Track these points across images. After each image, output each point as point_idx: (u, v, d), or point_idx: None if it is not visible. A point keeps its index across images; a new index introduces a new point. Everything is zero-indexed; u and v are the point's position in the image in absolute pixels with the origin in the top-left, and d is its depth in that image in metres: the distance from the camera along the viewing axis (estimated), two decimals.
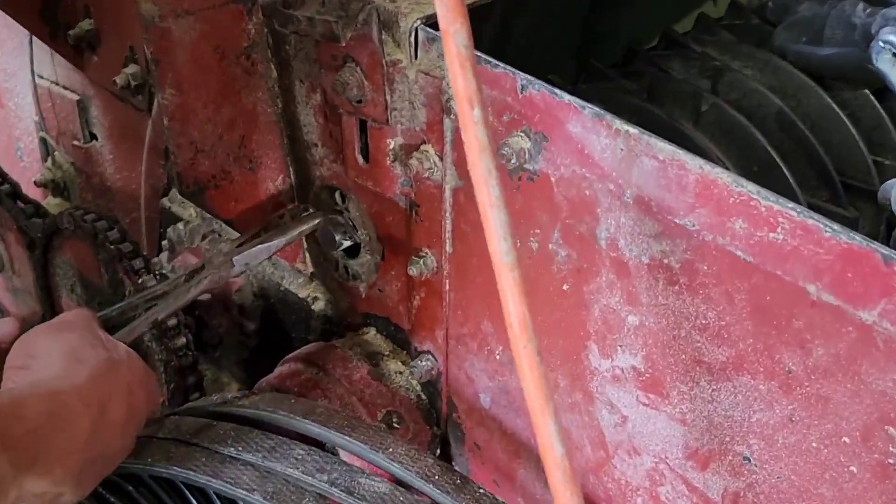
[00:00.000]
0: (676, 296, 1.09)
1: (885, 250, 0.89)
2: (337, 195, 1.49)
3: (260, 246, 1.39)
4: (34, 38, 1.91)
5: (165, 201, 1.78)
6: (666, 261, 1.08)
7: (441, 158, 1.28)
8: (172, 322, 1.51)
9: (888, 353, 0.91)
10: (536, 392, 0.85)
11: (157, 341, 1.53)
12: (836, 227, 0.92)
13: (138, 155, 1.80)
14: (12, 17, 1.74)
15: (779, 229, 0.95)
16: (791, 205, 0.95)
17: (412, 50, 1.24)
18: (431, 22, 1.24)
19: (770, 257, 0.97)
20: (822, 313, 0.94)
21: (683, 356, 1.11)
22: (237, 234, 1.63)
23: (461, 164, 1.26)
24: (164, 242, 1.73)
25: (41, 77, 1.99)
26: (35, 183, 2.06)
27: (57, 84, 1.95)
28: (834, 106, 1.58)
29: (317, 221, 1.44)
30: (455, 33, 0.81)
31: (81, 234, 1.55)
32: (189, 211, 1.73)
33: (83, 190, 2.02)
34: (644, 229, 1.09)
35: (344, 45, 1.26)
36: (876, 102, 1.62)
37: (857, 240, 0.90)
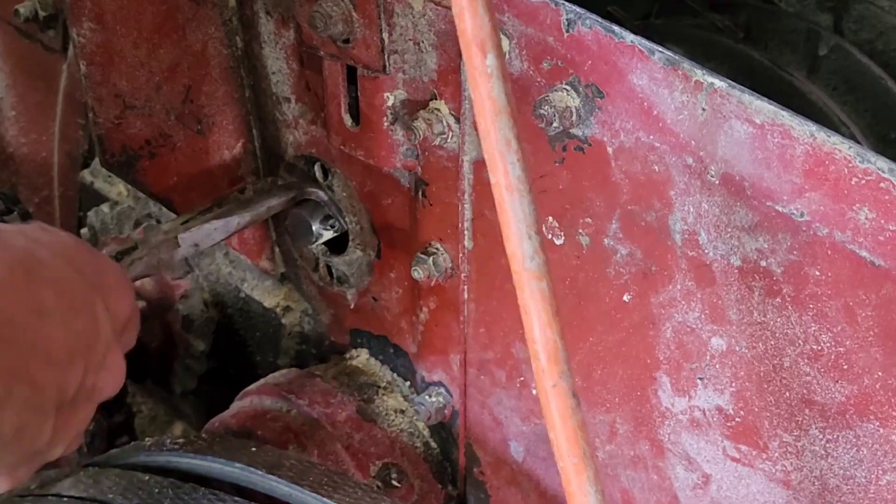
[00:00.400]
0: (778, 311, 1.10)
1: None
2: (317, 169, 1.50)
3: (215, 222, 1.39)
4: None
5: (86, 175, 1.84)
6: (764, 263, 1.09)
7: (458, 120, 1.29)
8: None
9: None
10: (570, 448, 0.86)
11: None
12: None
13: (50, 111, 1.83)
14: None
15: None
16: None
17: None
18: None
19: None
20: None
21: (787, 394, 1.12)
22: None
23: None
24: (85, 230, 1.79)
25: None
26: None
27: None
28: None
29: (290, 195, 1.44)
30: None
31: None
32: (118, 188, 1.78)
33: None
34: (734, 220, 1.10)
35: None
36: None
37: None
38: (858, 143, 1.24)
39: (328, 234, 1.48)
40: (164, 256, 1.38)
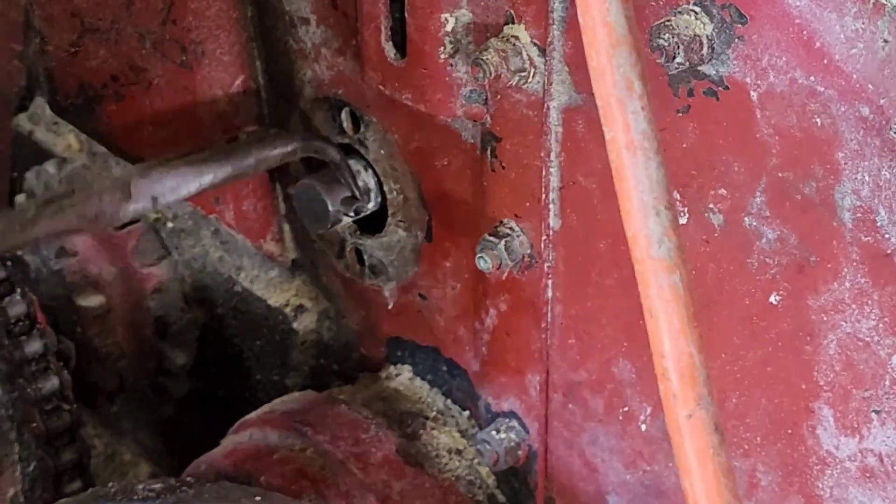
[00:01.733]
0: None
1: None
2: (344, 116, 1.52)
3: (184, 169, 1.39)
4: None
5: (23, 121, 1.86)
6: None
7: (543, 51, 1.30)
8: (33, 349, 1.56)
9: None
10: (712, 498, 0.86)
11: (1, 384, 1.56)
12: None
13: None
14: None
15: None
16: None
17: None
18: None
19: None
20: None
21: None
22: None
23: (583, 64, 1.22)
24: (21, 197, 1.79)
25: None
26: None
27: None
28: None
29: (293, 147, 1.44)
30: None
31: None
32: (67, 140, 1.80)
33: None
34: None
35: None
36: None
37: None
38: None
39: (349, 218, 1.49)
40: (107, 208, 1.36)
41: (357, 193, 1.47)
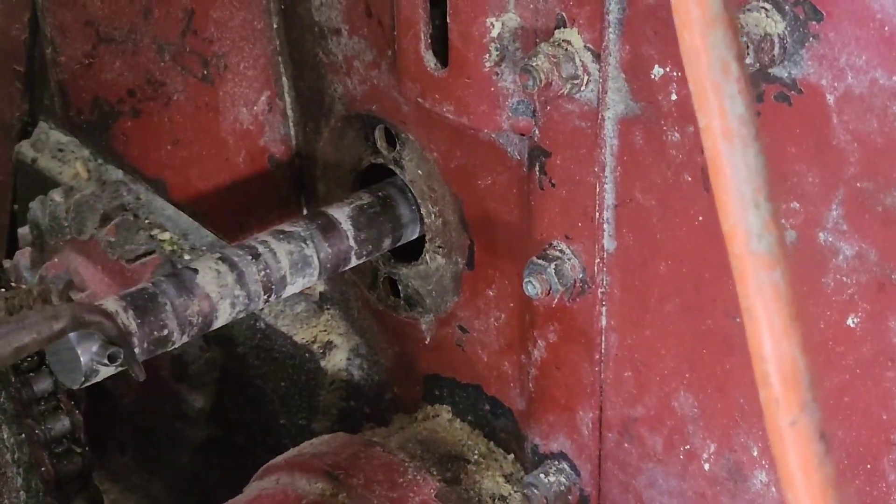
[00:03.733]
0: None
1: None
2: (378, 134, 1.53)
3: None
4: None
5: (26, 149, 1.85)
6: None
7: (597, 57, 1.29)
8: (42, 386, 1.55)
9: None
10: None
11: (7, 424, 1.55)
12: None
13: None
14: None
15: None
16: None
17: None
18: None
19: None
20: None
21: None
22: (172, 211, 1.70)
23: (640, 70, 1.28)
24: (24, 230, 1.80)
25: None
26: None
27: None
28: None
29: (59, 327, 1.34)
30: None
31: None
32: (73, 168, 1.79)
33: None
34: None
35: None
36: None
37: None
38: None
39: (106, 370, 1.40)
40: None
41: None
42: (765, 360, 0.83)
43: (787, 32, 1.16)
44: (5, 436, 1.55)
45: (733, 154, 0.82)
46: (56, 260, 1.73)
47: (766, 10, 1.17)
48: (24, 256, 1.73)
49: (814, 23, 1.15)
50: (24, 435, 1.54)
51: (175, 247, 1.76)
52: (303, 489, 1.52)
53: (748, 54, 1.17)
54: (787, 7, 1.16)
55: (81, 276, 1.74)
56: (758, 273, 0.82)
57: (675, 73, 1.27)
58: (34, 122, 1.80)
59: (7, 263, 1.71)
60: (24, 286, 1.61)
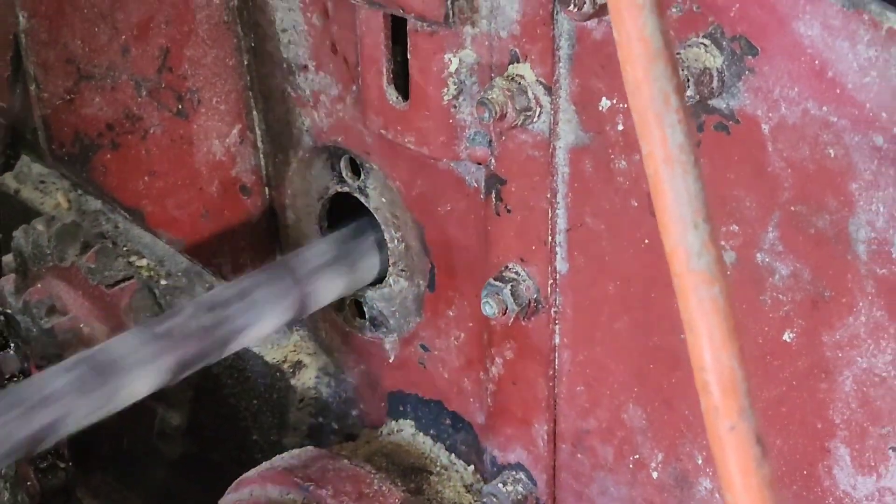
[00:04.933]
0: None
1: None
2: (343, 164, 1.54)
3: None
4: None
5: (9, 180, 1.85)
6: None
7: (549, 90, 1.31)
8: None
9: None
10: None
11: None
12: None
13: None
14: None
15: None
16: None
17: None
18: None
19: None
20: None
21: None
22: (149, 239, 1.71)
23: (588, 103, 1.30)
24: (8, 258, 1.80)
25: None
26: None
27: None
28: None
29: None
30: None
31: None
32: (54, 199, 1.79)
33: None
34: None
35: None
36: None
37: None
38: None
39: None
40: None
41: None
42: (705, 370, 0.85)
43: (724, 66, 1.19)
44: None
45: (674, 179, 0.84)
46: (39, 286, 1.73)
47: (705, 45, 1.19)
48: (8, 282, 1.73)
49: (749, 57, 1.17)
50: None
51: (152, 272, 1.76)
52: (275, 499, 1.52)
53: (689, 87, 1.18)
54: (724, 43, 1.18)
55: (63, 301, 1.73)
56: (698, 289, 0.83)
57: (620, 105, 1.29)
58: (16, 156, 1.80)
59: None
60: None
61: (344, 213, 1.63)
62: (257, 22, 1.53)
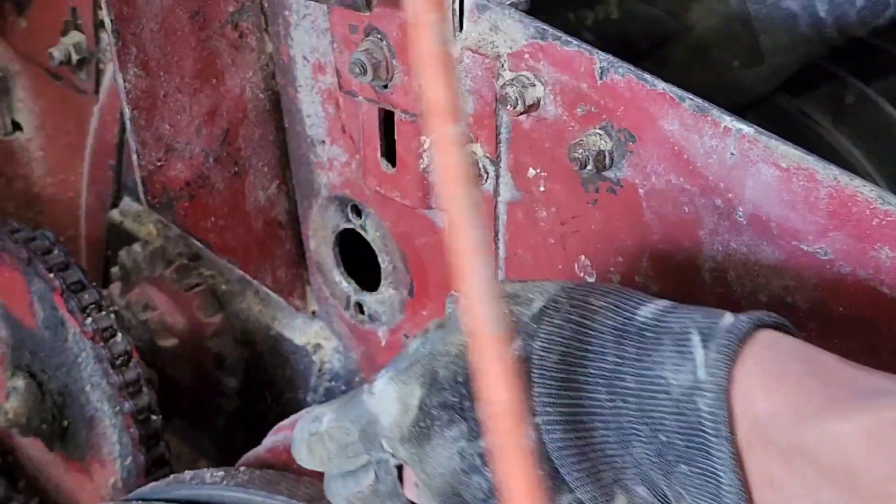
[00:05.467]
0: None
1: None
2: (349, 210, 1.56)
3: None
4: None
5: (115, 214, 1.89)
6: (790, 300, 1.14)
7: (493, 162, 1.34)
8: (130, 376, 1.58)
9: None
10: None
11: (108, 402, 1.60)
12: None
13: (79, 152, 1.89)
14: None
15: None
16: None
17: (457, 20, 1.31)
18: None
19: None
20: None
21: None
22: (213, 259, 1.75)
23: (520, 171, 1.33)
24: (115, 270, 1.83)
25: None
26: None
27: None
28: None
29: None
30: (430, 25, 0.75)
31: (10, 259, 1.62)
32: (147, 228, 1.84)
33: (2, 197, 2.09)
34: (761, 257, 1.15)
35: (368, 13, 1.31)
36: None
37: None
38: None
39: None
40: None
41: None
42: (494, 404, 0.80)
43: (613, 149, 1.21)
44: (107, 410, 1.61)
45: (472, 268, 0.79)
46: (137, 290, 1.77)
47: (600, 134, 1.21)
48: (115, 288, 1.75)
49: (630, 143, 1.20)
50: (118, 407, 1.59)
51: (215, 281, 1.79)
52: None
53: (589, 163, 1.20)
54: (613, 133, 1.20)
55: (154, 301, 1.77)
56: (491, 348, 0.77)
57: (542, 174, 1.31)
58: (120, 197, 1.84)
59: (105, 292, 1.71)
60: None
61: (350, 241, 1.63)
62: (290, 109, 1.54)
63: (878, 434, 0.80)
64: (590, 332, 0.95)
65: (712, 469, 0.87)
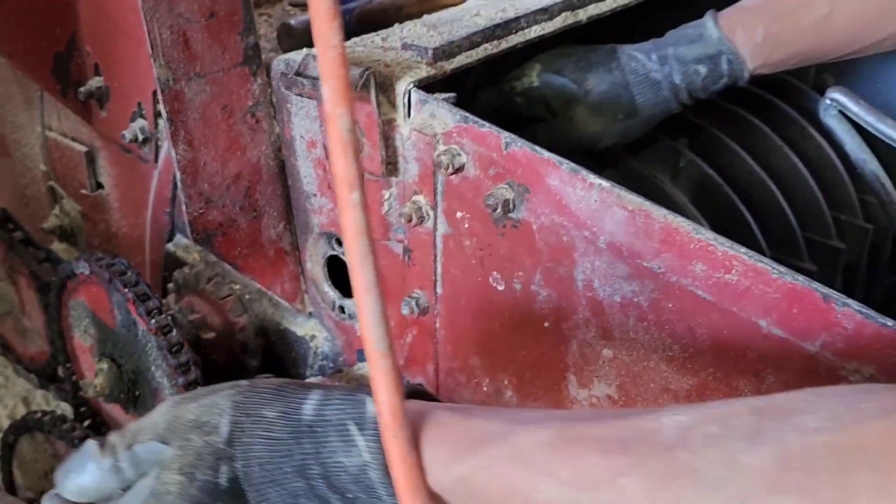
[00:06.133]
0: (645, 331, 1.17)
1: (823, 290, 1.00)
2: (334, 241, 1.56)
3: None
4: (44, 93, 2.00)
5: (170, 246, 1.87)
6: (636, 300, 1.16)
7: (433, 208, 1.35)
8: (182, 360, 1.57)
9: (830, 380, 1.01)
10: (406, 486, 0.83)
11: (167, 377, 1.60)
12: (782, 269, 1.02)
13: (144, 203, 1.87)
14: (25, 74, 1.84)
15: (733, 271, 1.05)
16: (743, 249, 1.05)
17: (405, 109, 1.32)
18: (423, 84, 1.33)
19: (727, 296, 1.07)
20: (773, 345, 1.04)
21: (652, 385, 1.19)
22: (239, 277, 1.72)
23: (451, 214, 1.33)
24: (171, 285, 1.81)
25: (50, 129, 2.07)
26: (44, 229, 2.13)
27: (65, 136, 2.03)
28: (800, 165, 1.70)
29: None
30: (339, 117, 0.78)
31: (98, 278, 1.62)
32: (193, 255, 1.82)
33: (90, 235, 2.09)
34: (616, 271, 1.17)
35: None
36: (838, 160, 1.73)
37: (799, 280, 1.01)
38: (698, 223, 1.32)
39: None
40: None
41: None
42: (381, 403, 0.83)
43: (515, 197, 1.23)
44: (167, 384, 1.60)
45: (367, 300, 0.86)
46: (186, 299, 1.75)
47: (506, 187, 1.23)
48: (171, 298, 1.74)
49: (527, 193, 1.22)
50: (173, 382, 1.58)
51: (241, 292, 1.74)
52: None
53: (498, 208, 1.21)
54: (514, 186, 1.22)
55: (198, 307, 1.74)
56: (378, 360, 0.84)
57: (467, 215, 1.31)
58: (174, 234, 1.83)
59: (164, 301, 1.70)
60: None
61: (335, 263, 1.61)
62: (292, 172, 1.53)
63: (474, 476, 0.82)
64: (274, 442, 0.90)
65: None
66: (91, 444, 0.98)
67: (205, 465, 0.90)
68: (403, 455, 0.81)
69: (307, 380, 1.67)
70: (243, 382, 1.00)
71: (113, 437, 0.98)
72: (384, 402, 0.81)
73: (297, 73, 1.34)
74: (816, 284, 1.01)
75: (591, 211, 1.17)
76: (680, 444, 0.72)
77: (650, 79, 1.47)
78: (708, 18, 1.48)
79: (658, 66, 1.47)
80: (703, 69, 1.46)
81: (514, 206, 1.24)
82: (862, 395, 0.73)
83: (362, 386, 1.48)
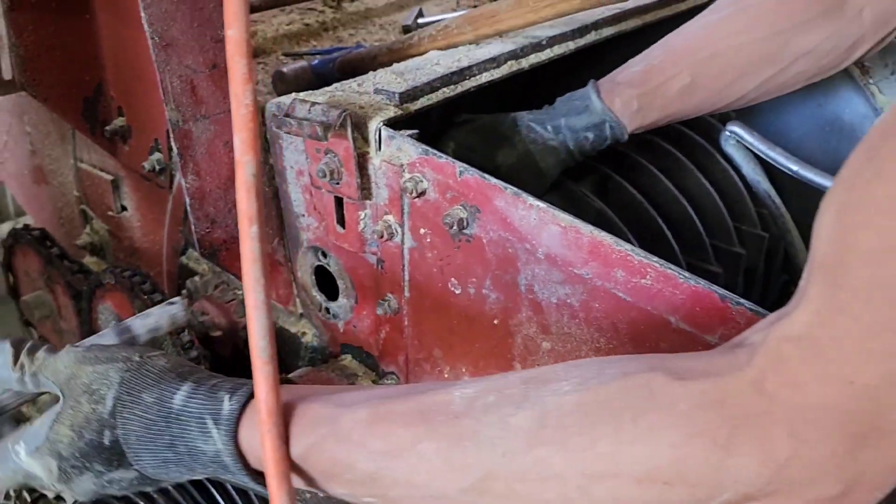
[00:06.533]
0: (577, 326, 1.17)
1: (721, 291, 1.00)
2: (320, 254, 1.55)
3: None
4: (76, 131, 1.99)
5: (183, 259, 1.85)
6: (569, 301, 1.16)
7: (401, 226, 1.35)
8: (192, 355, 1.56)
9: None
10: (274, 473, 0.84)
11: (173, 369, 1.55)
12: (686, 274, 1.03)
13: (161, 222, 1.86)
14: (60, 116, 1.82)
15: (648, 276, 1.06)
16: (656, 259, 1.05)
17: (377, 144, 1.32)
18: (391, 123, 1.33)
19: (642, 297, 1.07)
20: (681, 337, 1.05)
21: None
22: (241, 283, 1.67)
23: (415, 230, 1.33)
24: (184, 292, 1.76)
25: (81, 161, 2.06)
26: (77, 245, 2.12)
27: (95, 167, 2.02)
28: (707, 185, 1.72)
29: None
30: (246, 163, 0.78)
31: (121, 287, 1.61)
32: (203, 266, 1.81)
33: (116, 250, 2.08)
34: (552, 278, 1.17)
35: (326, 142, 1.32)
36: (738, 180, 1.74)
37: (701, 283, 1.02)
38: (623, 237, 1.32)
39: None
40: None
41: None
42: (261, 401, 0.84)
43: (468, 216, 1.22)
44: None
45: (256, 317, 0.87)
46: (197, 304, 1.72)
47: (460, 208, 1.21)
48: (183, 302, 1.67)
49: (478, 213, 1.21)
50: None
51: (242, 297, 1.69)
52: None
53: (454, 225, 1.20)
54: (468, 207, 1.20)
55: (207, 309, 1.73)
56: (261, 365, 0.86)
57: (429, 232, 1.29)
58: (187, 249, 1.79)
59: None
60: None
61: (321, 272, 1.58)
62: (283, 197, 1.51)
63: (308, 453, 0.87)
64: (148, 422, 0.92)
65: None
66: (7, 350, 1.00)
67: (91, 428, 0.91)
68: (275, 447, 0.82)
69: (298, 370, 1.65)
70: (136, 358, 0.95)
71: (24, 359, 1.00)
72: (263, 400, 0.81)
73: (286, 115, 1.33)
74: (715, 287, 1.01)
75: (531, 227, 1.17)
76: (466, 412, 0.76)
77: (548, 146, 1.48)
78: (591, 91, 1.48)
79: (553, 135, 1.48)
80: (590, 135, 1.47)
81: (468, 223, 1.24)
82: (609, 363, 0.76)
83: (345, 376, 1.56)
